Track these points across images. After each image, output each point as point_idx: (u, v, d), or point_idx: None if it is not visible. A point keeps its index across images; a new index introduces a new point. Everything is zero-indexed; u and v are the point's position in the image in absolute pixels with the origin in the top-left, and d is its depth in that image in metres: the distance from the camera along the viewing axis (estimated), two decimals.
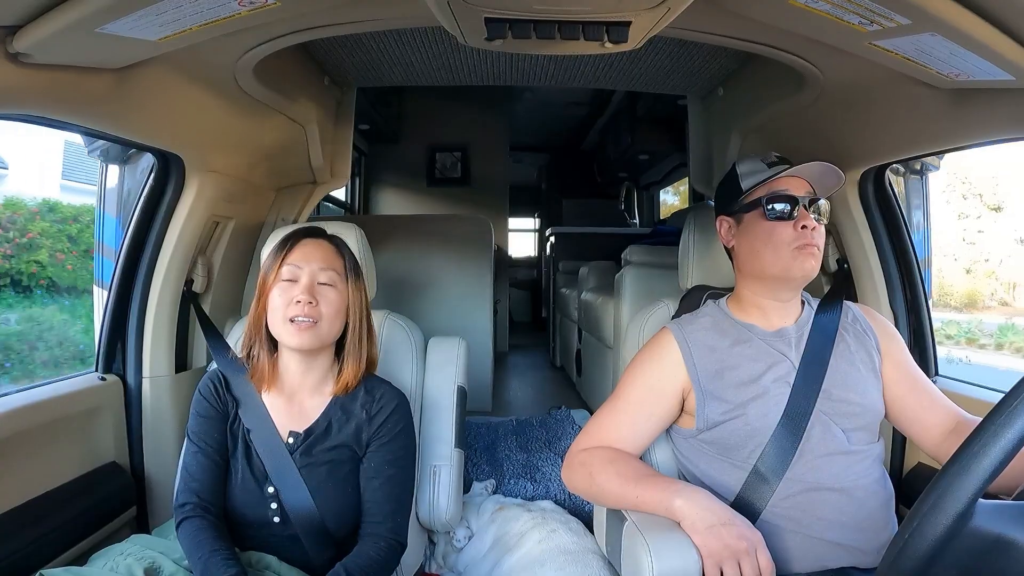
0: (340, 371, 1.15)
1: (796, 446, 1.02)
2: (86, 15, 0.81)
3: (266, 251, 1.39)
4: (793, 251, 1.05)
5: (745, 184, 1.12)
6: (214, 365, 1.24)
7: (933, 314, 1.49)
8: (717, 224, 1.18)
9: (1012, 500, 0.67)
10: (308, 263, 1.10)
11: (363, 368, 1.16)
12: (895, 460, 1.45)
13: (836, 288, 1.51)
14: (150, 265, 1.45)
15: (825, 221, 1.09)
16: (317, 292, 1.09)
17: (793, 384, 1.06)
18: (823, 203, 1.09)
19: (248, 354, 1.15)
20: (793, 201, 1.06)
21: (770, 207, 1.07)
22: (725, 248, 1.20)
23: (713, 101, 1.91)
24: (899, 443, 1.45)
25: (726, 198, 1.17)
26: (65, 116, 1.05)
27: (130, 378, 1.45)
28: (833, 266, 1.59)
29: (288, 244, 1.12)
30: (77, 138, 1.42)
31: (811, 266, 1.05)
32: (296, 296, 1.07)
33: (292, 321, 1.07)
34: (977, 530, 0.58)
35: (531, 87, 4.63)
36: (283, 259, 1.10)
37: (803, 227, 1.05)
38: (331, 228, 1.27)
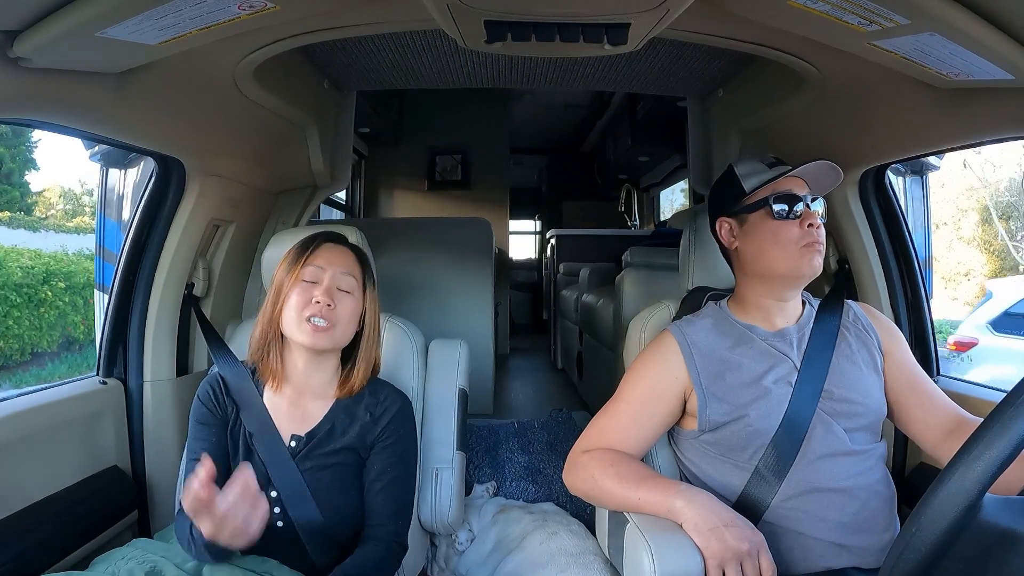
0: (347, 375, 1.15)
1: (798, 447, 1.02)
2: (86, 20, 0.81)
3: (267, 255, 1.39)
4: (801, 249, 1.07)
5: (748, 185, 1.13)
6: (215, 368, 1.24)
7: None
8: (716, 226, 1.19)
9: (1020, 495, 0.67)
10: (331, 267, 1.11)
11: (369, 372, 1.17)
12: (897, 460, 1.45)
13: (837, 288, 1.51)
14: (151, 269, 1.44)
15: (824, 219, 1.11)
16: (336, 296, 1.10)
17: (795, 384, 1.06)
18: (822, 201, 1.11)
19: (261, 354, 1.14)
20: (798, 200, 1.08)
21: (777, 207, 1.08)
22: (722, 249, 1.20)
23: (713, 102, 1.91)
24: (901, 443, 1.45)
25: (725, 199, 1.17)
26: (65, 120, 1.04)
27: (131, 382, 1.44)
28: (834, 266, 1.58)
29: (312, 246, 1.13)
30: None
31: (818, 263, 1.08)
32: (316, 296, 1.08)
33: (308, 321, 1.07)
34: (985, 524, 0.57)
35: (531, 89, 4.64)
36: (306, 260, 1.11)
37: (809, 225, 1.07)
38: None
